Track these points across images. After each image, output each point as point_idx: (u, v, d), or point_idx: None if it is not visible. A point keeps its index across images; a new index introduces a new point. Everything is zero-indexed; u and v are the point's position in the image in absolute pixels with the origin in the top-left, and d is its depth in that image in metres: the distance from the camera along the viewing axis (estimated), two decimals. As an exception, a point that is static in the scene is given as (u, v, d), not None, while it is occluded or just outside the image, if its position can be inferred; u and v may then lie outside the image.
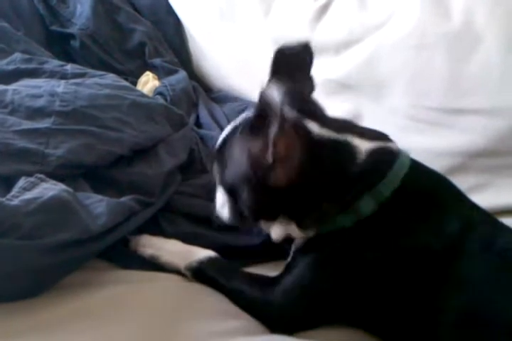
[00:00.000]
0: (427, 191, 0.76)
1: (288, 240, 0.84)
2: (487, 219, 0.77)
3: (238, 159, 0.76)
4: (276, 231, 0.81)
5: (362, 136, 0.75)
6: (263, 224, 0.83)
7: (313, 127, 0.73)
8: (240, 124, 0.80)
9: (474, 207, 0.78)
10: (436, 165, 0.80)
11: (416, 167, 0.77)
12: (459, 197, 0.79)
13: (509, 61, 0.98)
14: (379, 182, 0.73)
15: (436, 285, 0.70)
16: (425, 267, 0.71)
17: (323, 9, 1.28)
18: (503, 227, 0.76)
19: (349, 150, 0.74)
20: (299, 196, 0.74)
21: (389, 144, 0.77)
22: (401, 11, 1.13)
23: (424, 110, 1.10)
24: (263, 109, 0.68)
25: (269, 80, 0.76)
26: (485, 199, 1.03)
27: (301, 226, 0.77)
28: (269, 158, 0.69)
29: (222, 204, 0.85)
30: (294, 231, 0.79)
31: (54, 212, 0.68)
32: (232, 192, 0.80)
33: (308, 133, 0.73)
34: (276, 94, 0.64)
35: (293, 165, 0.71)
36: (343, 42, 1.25)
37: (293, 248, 0.83)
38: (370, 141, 0.75)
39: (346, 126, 0.78)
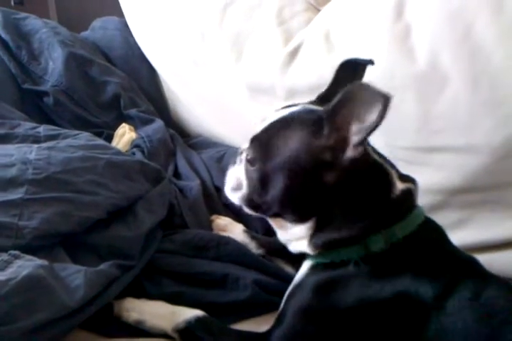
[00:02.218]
0: (432, 242, 0.79)
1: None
2: (478, 271, 0.78)
3: (294, 151, 0.75)
4: (285, 233, 0.82)
5: (399, 175, 0.80)
6: (275, 221, 0.83)
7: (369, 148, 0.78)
8: (293, 115, 0.79)
9: (468, 259, 0.79)
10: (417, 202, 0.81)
11: (428, 218, 0.80)
12: (456, 252, 0.80)
13: (477, 100, 0.99)
14: (397, 223, 0.76)
15: (417, 336, 0.70)
16: (411, 316, 0.71)
17: (293, 54, 1.30)
18: (492, 278, 0.76)
19: (389, 183, 0.78)
20: (331, 204, 0.75)
21: (414, 189, 0.81)
22: (368, 53, 1.15)
23: (399, 149, 1.11)
24: (343, 106, 0.68)
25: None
26: (466, 234, 1.05)
27: (314, 238, 0.78)
28: (343, 157, 0.71)
29: (235, 188, 0.85)
30: (302, 243, 0.80)
31: (29, 292, 0.66)
32: (262, 180, 0.78)
33: (367, 150, 0.76)
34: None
35: (347, 170, 0.73)
36: (315, 85, 1.27)
37: (289, 289, 0.82)
38: (403, 182, 0.79)
39: (386, 159, 0.81)
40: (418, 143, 1.08)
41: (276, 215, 0.81)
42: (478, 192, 1.04)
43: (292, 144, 0.75)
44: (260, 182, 0.79)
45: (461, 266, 0.76)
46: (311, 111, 0.79)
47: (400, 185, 0.78)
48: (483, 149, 1.00)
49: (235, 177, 0.85)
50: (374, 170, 0.78)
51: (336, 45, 1.24)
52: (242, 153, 0.84)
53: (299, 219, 0.78)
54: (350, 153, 0.71)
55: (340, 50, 1.23)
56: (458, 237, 0.85)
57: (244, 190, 0.82)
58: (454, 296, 0.71)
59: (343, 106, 0.69)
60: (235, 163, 0.86)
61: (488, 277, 0.76)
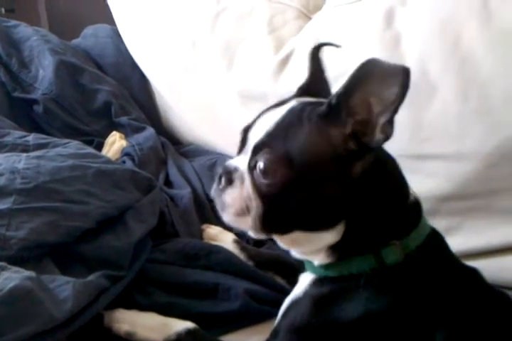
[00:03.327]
0: (441, 254, 0.75)
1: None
2: (482, 285, 0.77)
3: (316, 147, 0.66)
4: (306, 246, 0.73)
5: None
6: (293, 237, 0.71)
7: None
8: (296, 110, 0.70)
9: (472, 271, 0.77)
10: None
11: (432, 227, 0.76)
12: (460, 264, 0.78)
13: (466, 108, 1.00)
14: (408, 234, 0.71)
15: None
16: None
17: (284, 62, 1.31)
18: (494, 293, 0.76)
19: (406, 183, 0.74)
20: (359, 201, 0.68)
21: (418, 198, 0.76)
22: (358, 61, 1.15)
23: None
24: (357, 85, 0.62)
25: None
26: (456, 242, 1.04)
27: (337, 245, 0.70)
28: (372, 142, 0.64)
29: (240, 213, 0.70)
30: (319, 253, 0.72)
31: (15, 305, 0.66)
32: (284, 191, 0.67)
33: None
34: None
35: (372, 158, 0.67)
36: (306, 93, 1.27)
37: (285, 303, 0.77)
38: (412, 190, 0.74)
39: None
40: (408, 151, 1.08)
41: (296, 229, 0.70)
42: (468, 199, 1.04)
43: (312, 140, 0.67)
44: (281, 194, 0.67)
45: (468, 279, 0.74)
46: (312, 102, 0.72)
47: (413, 193, 0.74)
48: (473, 157, 1.00)
49: (237, 200, 0.70)
50: (392, 164, 0.73)
51: (327, 52, 1.24)
52: (232, 171, 0.72)
53: (328, 224, 0.69)
54: (379, 135, 0.64)
55: (331, 59, 1.23)
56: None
57: (255, 211, 0.69)
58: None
59: (358, 85, 0.63)
60: (227, 184, 0.72)
61: (490, 292, 0.75)
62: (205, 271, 0.96)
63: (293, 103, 0.72)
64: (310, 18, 1.38)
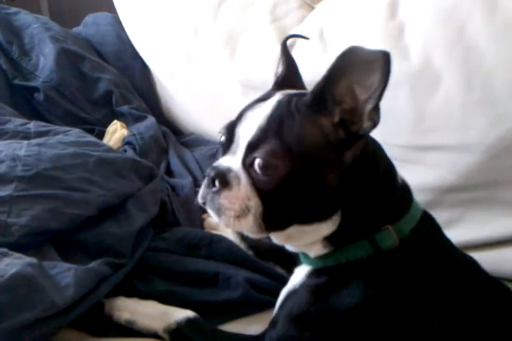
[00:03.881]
0: (434, 238, 0.76)
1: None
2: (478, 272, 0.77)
3: (311, 138, 0.66)
4: (302, 239, 0.72)
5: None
6: (290, 231, 0.71)
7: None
8: (284, 103, 0.69)
9: (466, 257, 0.78)
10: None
11: (424, 209, 0.77)
12: (454, 249, 0.78)
13: (470, 99, 0.99)
14: (400, 218, 0.71)
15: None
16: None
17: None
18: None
19: (394, 167, 0.74)
20: (352, 189, 0.68)
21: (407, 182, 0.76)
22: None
23: (392, 147, 1.08)
24: (339, 74, 0.62)
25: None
26: (457, 233, 1.04)
27: (333, 235, 0.71)
28: (360, 129, 0.64)
29: (240, 214, 0.68)
30: (314, 244, 0.72)
31: (16, 290, 0.66)
32: (284, 186, 0.66)
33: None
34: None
35: (361, 145, 0.67)
36: (308, 82, 1.26)
37: (282, 294, 0.78)
38: (399, 173, 0.75)
39: None
40: (412, 142, 1.08)
41: (294, 223, 0.70)
42: (470, 190, 1.04)
43: (305, 131, 0.66)
44: (282, 189, 0.66)
45: (463, 269, 0.74)
46: (296, 93, 0.71)
47: (400, 175, 0.75)
48: (476, 148, 1.00)
49: (235, 201, 0.68)
50: (379, 151, 0.73)
51: (330, 42, 1.23)
52: (226, 172, 0.69)
53: (325, 215, 0.69)
54: (367, 123, 0.64)
55: (334, 48, 1.23)
56: (449, 236, 0.84)
57: (255, 210, 0.67)
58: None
59: (340, 74, 0.63)
60: (222, 187, 0.69)
61: (487, 281, 0.76)
62: (205, 260, 0.96)
63: (278, 96, 0.71)
64: (313, 8, 1.36)
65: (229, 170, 0.69)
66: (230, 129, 0.71)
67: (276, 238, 0.75)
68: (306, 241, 0.73)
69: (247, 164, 0.68)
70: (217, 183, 0.69)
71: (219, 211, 0.69)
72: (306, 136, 0.66)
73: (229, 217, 0.68)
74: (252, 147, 0.67)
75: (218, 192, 0.69)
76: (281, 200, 0.67)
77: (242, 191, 0.68)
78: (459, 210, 1.07)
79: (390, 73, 0.59)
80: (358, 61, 0.61)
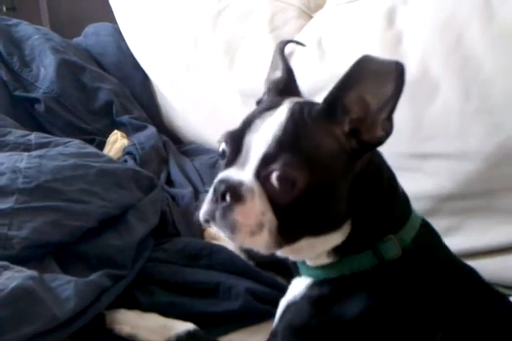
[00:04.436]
0: (434, 247, 0.75)
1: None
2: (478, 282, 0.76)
3: (327, 148, 0.64)
4: (311, 251, 0.71)
5: None
6: (300, 244, 0.68)
7: None
8: (296, 112, 0.67)
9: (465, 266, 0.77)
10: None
11: (423, 218, 0.76)
12: (453, 258, 0.77)
13: (468, 107, 1.00)
14: (401, 227, 0.70)
15: None
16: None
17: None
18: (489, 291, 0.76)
19: (395, 178, 0.74)
20: (361, 199, 0.67)
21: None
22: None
23: (391, 156, 1.08)
24: (352, 83, 0.62)
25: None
26: (457, 241, 1.04)
27: (340, 247, 0.69)
28: (373, 139, 0.64)
29: (254, 230, 0.64)
30: (320, 256, 0.71)
31: (17, 304, 0.66)
32: (303, 198, 0.63)
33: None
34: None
35: (369, 155, 0.67)
36: (307, 92, 1.27)
37: (281, 306, 0.77)
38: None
39: None
40: (410, 150, 1.08)
41: (306, 236, 0.68)
42: (469, 198, 1.04)
43: (321, 140, 0.64)
44: (298, 203, 0.63)
45: (463, 278, 0.74)
46: (306, 101, 0.70)
47: (401, 187, 0.74)
48: (475, 156, 1.00)
49: (250, 216, 0.64)
50: (384, 164, 0.73)
51: (328, 51, 1.24)
52: (237, 186, 0.64)
53: (336, 225, 0.67)
54: (380, 133, 0.63)
55: (332, 57, 1.23)
56: (448, 244, 0.83)
57: (271, 224, 0.64)
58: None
59: (352, 83, 0.62)
60: (233, 201, 0.64)
61: (487, 290, 0.75)
62: (206, 271, 0.96)
63: (288, 104, 0.68)
64: (311, 17, 1.37)
65: (241, 183, 0.64)
66: (237, 139, 0.66)
67: (283, 251, 0.72)
68: (314, 253, 0.71)
69: (262, 177, 0.64)
70: (228, 198, 0.64)
71: (233, 228, 0.64)
72: (323, 147, 0.65)
73: (244, 234, 0.64)
74: (268, 159, 0.63)
75: (230, 207, 0.64)
76: (296, 213, 0.64)
77: (257, 206, 0.64)
78: (459, 218, 1.07)
79: (403, 84, 0.59)
80: (372, 70, 0.60)
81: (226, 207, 0.64)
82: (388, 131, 0.63)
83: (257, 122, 0.66)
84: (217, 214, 0.65)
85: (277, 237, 0.65)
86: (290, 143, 0.64)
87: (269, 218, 0.64)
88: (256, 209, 0.64)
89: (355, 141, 0.65)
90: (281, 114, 0.66)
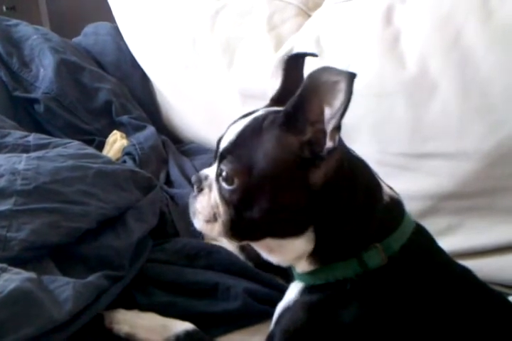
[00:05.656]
0: (427, 252, 0.75)
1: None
2: (474, 284, 0.76)
3: (274, 154, 0.67)
4: (282, 253, 0.74)
5: (382, 181, 0.74)
6: (266, 243, 0.73)
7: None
8: (259, 119, 0.71)
9: (462, 270, 0.77)
10: (407, 208, 0.78)
11: (418, 223, 0.76)
12: (449, 262, 0.77)
13: (467, 106, 0.99)
14: (391, 234, 0.71)
15: None
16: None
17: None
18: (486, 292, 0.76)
19: (378, 187, 0.73)
20: (324, 210, 0.69)
21: (399, 197, 0.75)
22: (359, 60, 1.15)
23: (390, 155, 1.11)
24: (309, 94, 0.63)
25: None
26: (456, 240, 1.05)
27: (314, 252, 0.71)
28: (323, 150, 0.65)
29: (209, 219, 0.73)
30: (300, 260, 0.73)
31: (16, 306, 0.66)
32: (246, 197, 0.69)
33: (346, 149, 0.72)
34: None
35: (333, 166, 0.67)
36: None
37: (278, 310, 0.78)
38: (388, 188, 0.74)
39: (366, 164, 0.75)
40: (409, 149, 1.08)
41: (266, 236, 0.72)
42: (469, 198, 1.04)
43: (270, 148, 0.68)
44: (244, 201, 0.69)
45: (458, 280, 0.74)
46: (277, 111, 0.72)
47: (387, 191, 0.74)
48: (474, 155, 1.00)
49: (205, 207, 0.73)
50: (360, 171, 0.72)
51: (327, 50, 1.24)
52: (203, 180, 0.75)
53: (295, 231, 0.70)
54: (328, 143, 0.65)
55: (331, 56, 1.23)
56: (448, 243, 0.84)
57: (223, 217, 0.71)
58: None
59: (310, 93, 0.64)
60: (198, 192, 0.75)
61: (483, 291, 0.75)
62: (205, 271, 0.96)
63: (258, 112, 0.74)
64: (310, 16, 1.37)
65: (206, 177, 0.76)
66: (218, 141, 0.76)
67: (257, 248, 0.78)
68: (289, 256, 0.74)
69: (218, 174, 0.72)
70: (195, 189, 0.76)
71: (194, 214, 0.76)
72: (269, 154, 0.68)
73: (200, 221, 0.75)
74: (221, 158, 0.72)
75: (196, 196, 0.76)
76: (244, 211, 0.70)
77: (212, 198, 0.73)
78: (458, 217, 1.06)
79: (351, 94, 0.59)
80: (325, 81, 0.61)
81: (193, 196, 0.77)
82: (336, 140, 0.64)
83: (230, 127, 0.74)
84: (190, 201, 0.78)
85: (230, 230, 0.72)
86: (240, 146, 0.70)
87: (222, 211, 0.72)
88: (211, 201, 0.73)
89: (308, 151, 0.67)
90: (245, 121, 0.72)
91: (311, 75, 0.63)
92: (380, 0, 1.16)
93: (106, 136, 1.41)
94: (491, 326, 0.71)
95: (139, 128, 1.45)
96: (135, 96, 1.63)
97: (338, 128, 0.63)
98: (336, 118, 0.62)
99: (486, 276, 0.80)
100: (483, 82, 0.98)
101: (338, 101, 0.60)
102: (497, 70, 0.96)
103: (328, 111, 0.63)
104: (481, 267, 0.86)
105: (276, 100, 0.80)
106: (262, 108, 0.77)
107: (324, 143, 0.65)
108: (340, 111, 0.61)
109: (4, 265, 0.74)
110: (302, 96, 0.65)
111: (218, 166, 0.72)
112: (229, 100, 1.43)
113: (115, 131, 1.40)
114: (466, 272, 0.76)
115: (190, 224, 1.10)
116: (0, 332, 0.64)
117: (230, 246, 1.03)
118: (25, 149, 1.03)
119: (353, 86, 0.59)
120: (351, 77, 0.59)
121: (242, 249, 1.03)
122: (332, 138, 0.64)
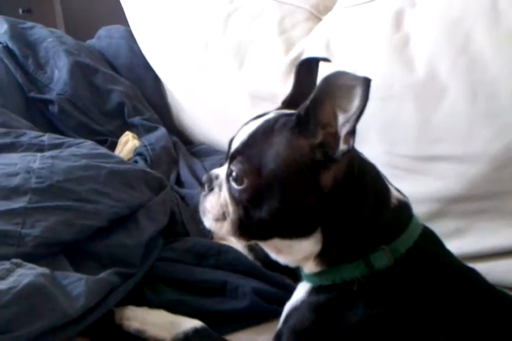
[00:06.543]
0: (434, 255, 0.76)
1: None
2: (481, 286, 0.77)
3: (284, 156, 0.68)
4: (290, 253, 0.75)
5: (390, 183, 0.76)
6: (274, 243, 0.75)
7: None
8: (271, 121, 0.72)
9: (469, 272, 0.77)
10: (415, 211, 0.80)
11: (425, 226, 0.77)
12: (457, 265, 0.77)
13: (475, 109, 1.00)
14: (399, 236, 0.72)
15: None
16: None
17: (294, 63, 1.31)
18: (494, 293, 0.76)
19: (387, 191, 0.74)
20: (333, 212, 0.70)
21: (407, 200, 0.77)
22: (367, 63, 1.16)
23: (398, 158, 1.12)
24: (323, 97, 0.64)
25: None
26: (464, 243, 1.05)
27: (322, 254, 0.72)
28: (336, 153, 0.66)
29: (219, 218, 0.75)
30: (307, 261, 0.74)
31: (30, 300, 0.68)
32: (255, 198, 0.70)
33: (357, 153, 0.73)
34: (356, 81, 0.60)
35: (343, 168, 0.68)
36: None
37: (286, 309, 0.79)
38: (396, 191, 0.76)
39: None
40: (417, 152, 1.09)
41: (274, 236, 0.73)
42: (477, 200, 1.04)
43: (281, 150, 0.69)
44: (253, 201, 0.70)
45: (465, 282, 0.74)
46: (288, 113, 0.74)
47: (396, 194, 0.75)
48: (482, 158, 1.01)
49: (215, 206, 0.75)
50: (369, 173, 0.73)
51: (336, 54, 1.25)
52: (213, 179, 0.77)
53: (303, 232, 0.71)
54: (342, 146, 0.65)
55: (341, 59, 1.24)
56: (456, 246, 0.85)
57: (232, 216, 0.73)
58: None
59: (323, 97, 0.64)
60: (208, 191, 0.77)
61: (490, 292, 0.75)
62: (214, 270, 0.98)
63: (270, 115, 0.75)
64: (320, 20, 1.38)
65: (217, 177, 0.77)
66: (230, 141, 0.77)
67: (266, 248, 0.79)
68: (296, 257, 0.75)
69: (228, 174, 0.74)
70: (206, 187, 0.78)
71: (204, 213, 0.78)
72: (279, 155, 0.69)
73: (209, 220, 0.77)
74: (232, 158, 0.73)
75: (206, 195, 0.78)
76: (253, 211, 0.71)
77: (222, 197, 0.75)
78: (467, 220, 1.07)
79: (367, 99, 0.60)
80: (340, 85, 0.62)
81: (204, 195, 0.78)
82: (351, 144, 0.65)
83: (242, 128, 0.76)
84: (200, 199, 0.79)
85: (238, 229, 0.74)
86: (250, 148, 0.72)
87: (232, 210, 0.73)
88: (220, 201, 0.75)
89: (320, 154, 0.68)
90: (257, 122, 0.74)
91: (326, 79, 0.63)
92: (390, 4, 1.17)
93: (118, 137, 1.43)
94: (498, 329, 0.71)
95: (151, 130, 1.47)
96: (147, 98, 1.65)
97: (352, 132, 0.64)
98: (351, 123, 0.63)
99: (495, 279, 0.81)
100: (492, 85, 0.98)
101: (354, 105, 0.61)
102: (505, 74, 0.97)
103: (341, 115, 0.64)
104: (490, 270, 0.86)
105: (287, 103, 0.81)
106: (273, 110, 0.78)
107: (337, 146, 0.66)
108: (356, 116, 0.62)
109: (19, 260, 0.76)
110: (316, 99, 0.66)
111: (229, 166, 0.73)
112: (239, 102, 1.45)
113: (127, 132, 1.43)
114: (475, 275, 0.77)
115: (199, 222, 1.13)
116: (14, 325, 0.65)
117: (238, 245, 1.04)
118: (40, 148, 1.05)
119: (369, 91, 0.60)
120: (367, 82, 0.60)
121: (251, 248, 1.04)
122: (346, 142, 0.65)
